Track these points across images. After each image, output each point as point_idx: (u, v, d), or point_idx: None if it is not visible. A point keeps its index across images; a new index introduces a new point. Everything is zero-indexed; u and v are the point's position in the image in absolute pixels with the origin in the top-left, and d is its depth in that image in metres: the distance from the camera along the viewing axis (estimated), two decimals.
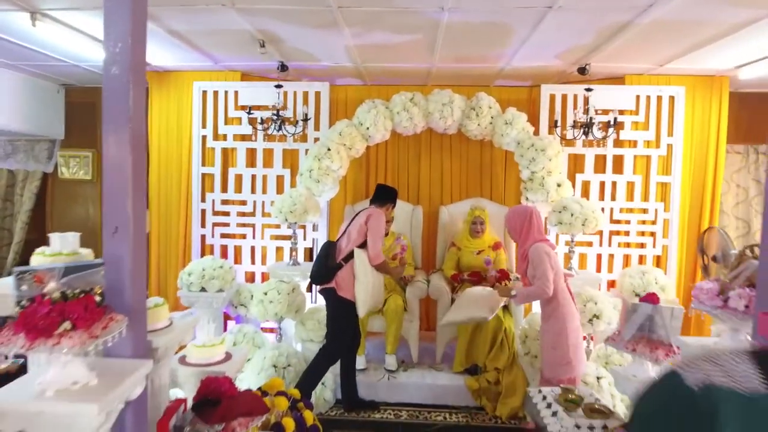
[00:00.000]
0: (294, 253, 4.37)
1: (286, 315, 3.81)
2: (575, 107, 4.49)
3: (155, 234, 4.71)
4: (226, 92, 4.61)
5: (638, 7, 2.88)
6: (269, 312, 3.74)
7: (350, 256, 3.42)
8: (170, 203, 4.72)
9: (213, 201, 4.67)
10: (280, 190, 4.65)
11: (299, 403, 2.50)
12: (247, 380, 3.55)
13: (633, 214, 4.57)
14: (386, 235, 3.90)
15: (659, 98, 4.46)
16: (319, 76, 4.69)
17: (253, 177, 4.67)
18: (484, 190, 5.13)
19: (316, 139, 4.58)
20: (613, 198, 4.58)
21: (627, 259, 4.62)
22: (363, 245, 3.47)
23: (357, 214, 3.59)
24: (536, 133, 4.49)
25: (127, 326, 1.83)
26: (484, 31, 3.37)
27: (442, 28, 3.30)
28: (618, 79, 4.55)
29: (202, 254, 4.66)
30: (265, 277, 4.69)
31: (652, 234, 4.57)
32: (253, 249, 4.72)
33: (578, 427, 2.06)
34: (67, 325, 1.56)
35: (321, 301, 4.45)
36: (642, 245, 4.59)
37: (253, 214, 4.68)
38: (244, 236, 4.71)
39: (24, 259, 5.11)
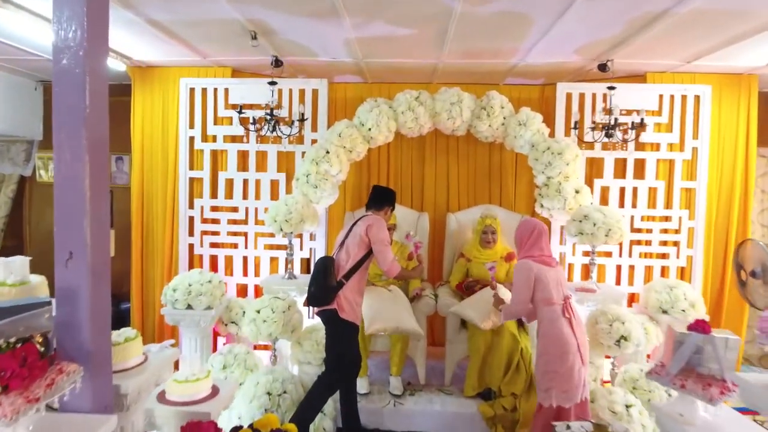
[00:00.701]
0: (290, 265, 4.01)
1: (281, 336, 3.45)
2: (594, 107, 4.16)
3: (137, 245, 4.34)
4: (215, 90, 4.24)
5: None
6: (262, 332, 3.38)
7: (352, 272, 3.07)
8: (155, 210, 4.35)
9: (202, 207, 4.31)
10: (274, 196, 4.29)
11: None
12: (237, 409, 3.19)
13: (655, 223, 4.24)
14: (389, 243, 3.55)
15: (684, 98, 4.14)
16: (316, 73, 4.34)
17: (245, 182, 4.31)
18: (493, 196, 4.79)
19: (314, 141, 4.23)
20: (634, 205, 4.25)
21: (648, 271, 4.29)
22: (365, 258, 3.12)
23: (354, 224, 3.23)
24: (551, 135, 4.15)
25: (86, 375, 1.48)
26: (500, 22, 3.02)
27: (455, 17, 2.95)
28: (639, 77, 4.22)
29: (190, 265, 4.30)
30: (258, 290, 4.34)
31: (676, 244, 4.25)
32: (245, 260, 4.36)
33: None
34: None
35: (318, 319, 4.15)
36: (665, 256, 4.26)
37: (245, 221, 4.32)
38: (235, 246, 4.35)
39: None
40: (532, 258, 2.93)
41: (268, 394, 3.18)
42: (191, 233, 4.31)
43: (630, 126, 3.71)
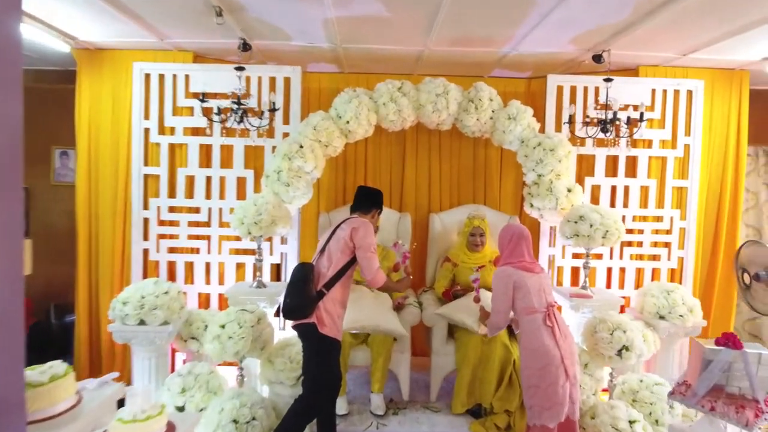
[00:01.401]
0: (258, 273, 3.60)
1: (250, 354, 3.05)
2: (585, 101, 3.94)
3: (84, 250, 3.83)
4: (174, 76, 3.78)
5: None
6: (228, 351, 2.97)
7: (334, 281, 2.70)
8: (104, 211, 3.84)
9: (158, 208, 3.84)
10: (241, 195, 3.87)
11: None
12: None
13: (647, 223, 4.06)
14: None
15: (676, 93, 3.96)
16: (288, 61, 3.94)
17: (208, 179, 3.87)
18: (478, 196, 4.51)
19: (286, 135, 3.83)
20: (626, 205, 4.05)
21: (639, 273, 4.11)
22: (349, 266, 2.77)
23: (337, 227, 2.86)
24: (541, 130, 3.90)
25: None
26: (498, 4, 2.73)
27: None
28: (631, 71, 4.03)
29: (145, 273, 3.83)
30: (222, 300, 3.90)
31: (667, 245, 4.07)
32: (207, 266, 3.92)
33: None
34: None
35: (291, 330, 3.76)
36: (656, 257, 4.08)
37: (208, 224, 3.88)
38: (196, 251, 3.90)
39: None
40: (512, 264, 2.77)
41: (235, 422, 2.77)
42: (146, 237, 3.83)
43: (626, 121, 3.49)
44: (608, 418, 2.93)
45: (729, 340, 2.05)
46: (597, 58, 3.58)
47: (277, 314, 2.88)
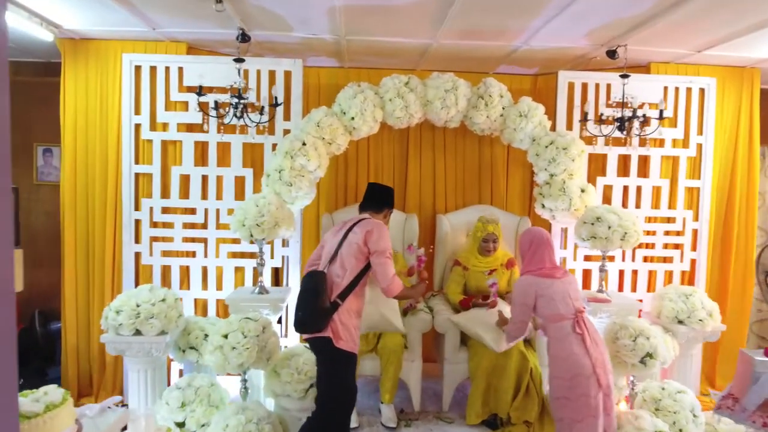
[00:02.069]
0: (260, 277, 3.39)
1: (255, 365, 2.84)
2: (597, 98, 3.81)
3: (70, 254, 3.58)
4: (167, 68, 3.55)
5: None
6: (232, 362, 2.76)
7: (349, 290, 2.51)
8: (92, 213, 3.60)
9: (151, 209, 3.61)
10: (239, 195, 3.65)
11: None
12: None
13: (659, 224, 3.95)
14: None
15: (689, 91, 3.86)
16: (286, 53, 3.74)
17: (204, 178, 3.64)
18: (484, 196, 4.37)
19: (286, 132, 3.63)
20: (638, 205, 3.93)
21: (651, 275, 4.00)
22: (364, 272, 2.58)
23: (349, 230, 2.65)
24: (551, 128, 3.77)
25: None
26: None
27: None
28: (642, 68, 3.92)
29: (137, 278, 3.59)
30: (221, 307, 3.69)
31: (678, 246, 3.98)
32: (204, 270, 3.69)
33: None
34: None
35: (293, 335, 3.56)
36: (668, 260, 3.98)
37: (204, 226, 3.66)
38: (192, 254, 3.68)
39: None
40: (533, 272, 2.67)
41: None
42: (138, 240, 3.60)
43: (642, 118, 3.37)
44: (633, 429, 2.79)
45: None
46: (611, 54, 3.46)
47: (279, 321, 2.69)
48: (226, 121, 3.19)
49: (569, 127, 3.83)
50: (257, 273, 3.43)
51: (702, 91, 3.86)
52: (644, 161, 3.93)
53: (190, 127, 3.61)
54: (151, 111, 3.56)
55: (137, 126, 3.56)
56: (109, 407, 1.56)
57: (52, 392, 1.33)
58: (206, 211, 3.64)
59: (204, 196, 3.63)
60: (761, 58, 3.65)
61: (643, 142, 3.66)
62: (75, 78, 3.54)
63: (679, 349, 3.38)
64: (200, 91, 3.01)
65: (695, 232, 3.95)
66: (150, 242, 3.61)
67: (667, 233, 3.96)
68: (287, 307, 3.59)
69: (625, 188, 3.94)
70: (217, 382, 3.10)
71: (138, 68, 3.53)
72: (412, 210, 4.23)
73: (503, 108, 3.64)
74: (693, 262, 3.96)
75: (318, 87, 4.13)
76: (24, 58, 3.93)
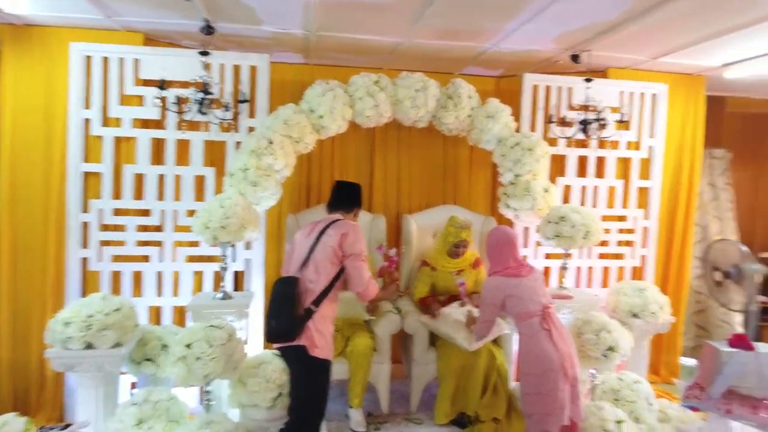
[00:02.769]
0: (222, 282, 3.23)
1: (222, 376, 2.70)
2: (559, 101, 3.92)
3: (5, 261, 3.26)
4: (121, 60, 3.29)
5: None
6: (196, 374, 2.60)
7: (323, 296, 2.43)
8: (32, 215, 3.29)
9: (100, 211, 3.34)
10: (200, 196, 3.47)
11: None
12: None
13: (613, 222, 4.13)
14: None
15: (642, 96, 4.06)
16: (250, 48, 3.59)
17: (161, 178, 3.42)
18: (448, 195, 4.40)
19: (251, 129, 3.49)
20: (594, 205, 4.09)
21: (606, 272, 4.18)
22: (339, 276, 2.51)
23: (322, 233, 2.57)
24: (517, 130, 3.84)
25: None
26: None
27: None
28: (600, 72, 4.07)
29: (84, 287, 3.33)
30: (178, 314, 3.50)
31: (630, 243, 4.18)
32: (160, 276, 3.48)
33: None
34: None
35: (256, 341, 3.44)
36: (620, 256, 4.17)
37: (160, 228, 3.44)
38: (146, 258, 3.45)
39: None
40: (500, 273, 2.71)
41: None
42: (85, 245, 3.33)
43: (604, 121, 3.50)
44: (597, 420, 2.89)
45: (742, 342, 2.04)
46: (575, 58, 3.57)
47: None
48: (188, 117, 3.01)
49: (533, 128, 3.93)
50: (219, 277, 3.27)
51: (654, 96, 4.06)
52: (601, 162, 4.09)
53: (146, 123, 3.38)
54: (103, 105, 3.30)
55: (86, 121, 3.28)
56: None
57: (12, 422, 1.18)
58: (162, 212, 3.42)
59: (160, 197, 3.41)
60: (708, 67, 3.89)
61: (602, 144, 3.80)
62: (15, 67, 3.22)
63: (634, 342, 3.55)
64: (162, 85, 2.81)
65: (645, 229, 4.16)
66: (99, 247, 3.35)
67: (620, 231, 4.15)
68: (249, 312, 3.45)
69: (583, 188, 4.08)
70: (176, 396, 2.93)
71: (88, 58, 3.25)
72: (377, 210, 4.18)
73: (471, 109, 3.67)
74: (643, 258, 4.18)
75: (282, 83, 3.99)
76: None
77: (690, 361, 4.77)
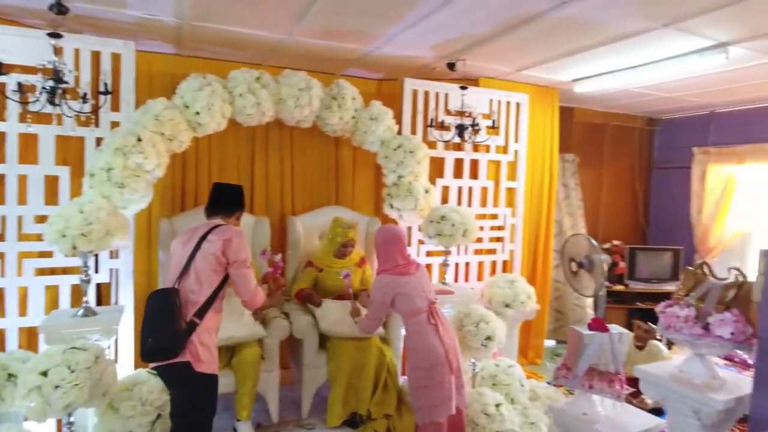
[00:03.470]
0: (85, 297, 2.84)
1: (88, 404, 2.37)
2: (437, 106, 4.13)
3: None
4: None
5: None
6: (55, 405, 2.24)
7: (206, 307, 2.26)
8: None
9: None
10: (51, 198, 3.01)
11: None
12: None
13: (486, 220, 4.47)
14: None
15: (508, 104, 4.44)
16: (110, 32, 3.20)
17: (1, 178, 2.91)
18: (331, 196, 4.39)
19: (114, 124, 3.12)
20: (470, 204, 4.39)
21: (480, 266, 4.51)
22: (223, 285, 2.36)
23: (202, 239, 2.40)
24: (398, 132, 3.97)
25: None
26: None
27: None
28: (472, 81, 4.36)
29: None
30: (25, 337, 3.01)
31: (500, 239, 4.56)
32: (2, 293, 2.96)
33: None
34: None
35: (125, 360, 3.11)
36: (492, 251, 4.53)
37: (1, 237, 2.93)
38: None
39: None
40: (389, 271, 2.79)
41: None
42: None
43: (478, 127, 3.77)
44: (479, 405, 3.11)
45: (599, 326, 2.33)
46: (451, 66, 3.79)
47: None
48: (35, 108, 2.59)
49: (413, 131, 4.08)
50: (80, 291, 2.87)
51: (518, 104, 4.47)
52: (474, 165, 4.39)
53: None
54: None
55: None
56: None
57: None
58: (3, 218, 2.91)
59: (1, 200, 2.90)
60: (560, 81, 4.39)
61: (476, 148, 4.09)
62: None
63: (507, 331, 3.88)
64: (0, 68, 2.38)
65: (513, 226, 4.57)
66: None
67: (492, 228, 4.50)
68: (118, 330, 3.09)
69: (459, 189, 4.35)
70: (27, 430, 2.52)
71: None
72: (258, 212, 4.02)
73: (355, 110, 3.70)
74: (511, 252, 4.58)
75: (149, 75, 3.64)
76: None
77: (551, 343, 5.38)
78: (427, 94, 4.11)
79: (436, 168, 4.28)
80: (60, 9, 2.64)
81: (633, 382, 2.42)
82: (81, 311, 2.79)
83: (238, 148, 4.02)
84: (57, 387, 2.27)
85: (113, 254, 3.18)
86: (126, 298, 3.18)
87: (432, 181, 4.16)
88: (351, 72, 4.23)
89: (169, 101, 3.14)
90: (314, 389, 3.38)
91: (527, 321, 4.41)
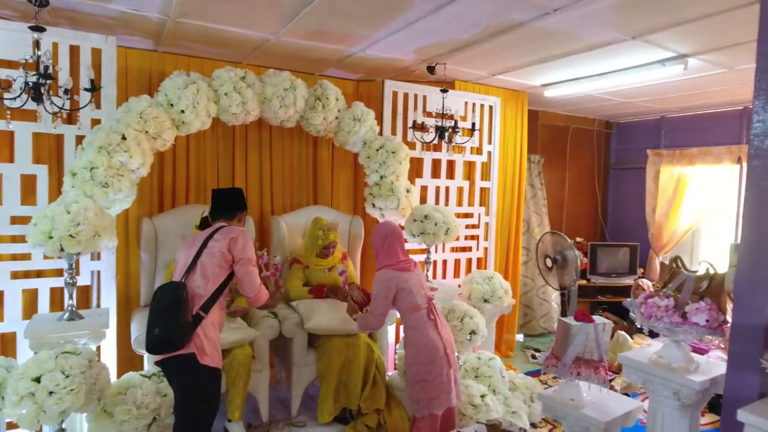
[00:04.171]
0: (71, 300, 2.74)
1: (83, 409, 2.31)
2: (415, 107, 4.23)
3: None
4: None
5: (545, 8, 2.71)
6: (50, 413, 2.18)
7: (212, 301, 2.28)
8: None
9: None
10: (29, 198, 2.89)
11: None
12: None
13: (462, 219, 4.61)
14: None
15: (482, 106, 4.61)
16: (89, 26, 3.10)
17: None
18: (311, 196, 4.41)
19: (95, 122, 3.03)
20: (447, 203, 4.52)
21: (457, 263, 4.65)
22: (228, 282, 2.38)
23: (209, 237, 2.46)
24: (379, 133, 4.04)
25: None
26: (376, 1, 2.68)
27: None
28: (449, 83, 4.49)
29: None
30: (6, 345, 2.87)
31: (474, 237, 4.72)
32: None
33: None
34: None
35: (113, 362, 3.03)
36: (467, 249, 4.69)
37: None
38: None
39: None
40: (391, 266, 2.81)
41: None
42: None
43: (456, 128, 3.90)
44: (466, 397, 3.23)
45: (584, 317, 2.49)
46: (431, 69, 3.90)
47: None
48: (14, 105, 2.48)
49: (393, 132, 4.16)
50: (60, 295, 2.78)
51: (491, 107, 4.64)
52: (451, 165, 4.53)
53: None
54: None
55: None
56: None
57: None
58: None
59: None
60: (530, 85, 4.60)
61: (457, 149, 4.22)
62: None
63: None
64: None
65: (487, 225, 4.75)
66: None
67: (467, 226, 4.66)
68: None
69: (437, 188, 4.47)
70: None
71: None
72: None
73: (339, 111, 3.74)
74: (485, 249, 4.76)
75: (125, 70, 3.54)
76: None
77: (520, 337, 5.60)
78: (406, 95, 4.21)
79: (413, 168, 4.38)
80: (41, 1, 2.53)
81: None
82: (66, 315, 2.71)
83: (218, 147, 3.98)
84: (51, 393, 2.21)
85: (93, 256, 3.09)
86: (109, 300, 3.09)
87: (411, 180, 4.26)
88: (330, 72, 4.26)
89: (153, 99, 3.08)
90: (304, 387, 3.40)
91: (501, 316, 4.59)
